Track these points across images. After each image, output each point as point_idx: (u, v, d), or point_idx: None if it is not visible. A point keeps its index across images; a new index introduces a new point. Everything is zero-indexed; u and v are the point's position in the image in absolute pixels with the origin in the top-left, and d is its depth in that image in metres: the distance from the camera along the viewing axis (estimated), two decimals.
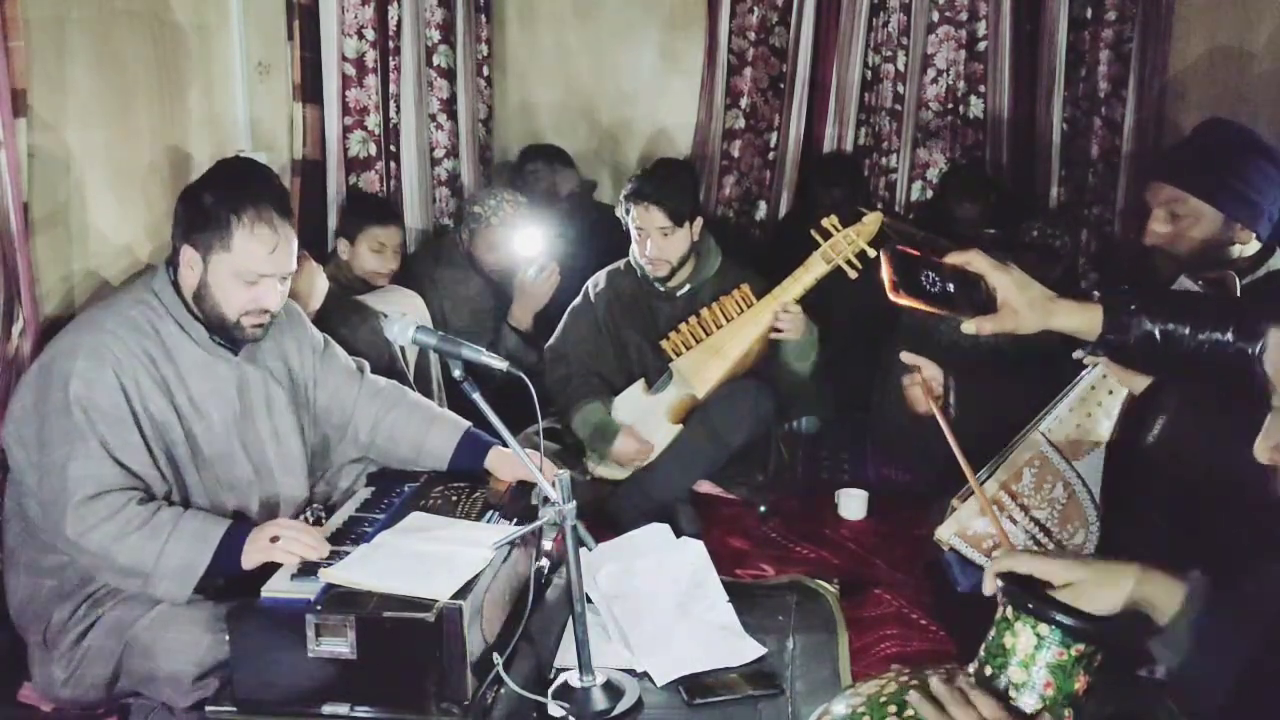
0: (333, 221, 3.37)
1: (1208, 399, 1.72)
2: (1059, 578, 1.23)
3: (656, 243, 2.96)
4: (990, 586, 1.30)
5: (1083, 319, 1.58)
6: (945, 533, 1.97)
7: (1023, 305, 1.55)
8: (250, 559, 1.90)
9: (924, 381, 2.04)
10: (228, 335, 2.06)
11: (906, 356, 2.10)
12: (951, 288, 1.55)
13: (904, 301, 1.51)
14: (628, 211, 3.00)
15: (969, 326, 1.55)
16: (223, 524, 1.93)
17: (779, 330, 2.84)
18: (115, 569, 1.88)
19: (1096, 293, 1.61)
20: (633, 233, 3.02)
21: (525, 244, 3.34)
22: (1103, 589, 1.21)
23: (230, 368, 2.10)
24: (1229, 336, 1.54)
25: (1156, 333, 1.55)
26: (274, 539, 1.90)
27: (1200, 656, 1.16)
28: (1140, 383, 1.86)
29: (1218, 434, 1.66)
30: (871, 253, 2.75)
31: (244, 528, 1.94)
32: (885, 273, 1.52)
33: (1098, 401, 1.94)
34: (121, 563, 1.86)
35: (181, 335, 2.03)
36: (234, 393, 2.10)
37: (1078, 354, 1.87)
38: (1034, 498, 1.94)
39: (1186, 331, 1.55)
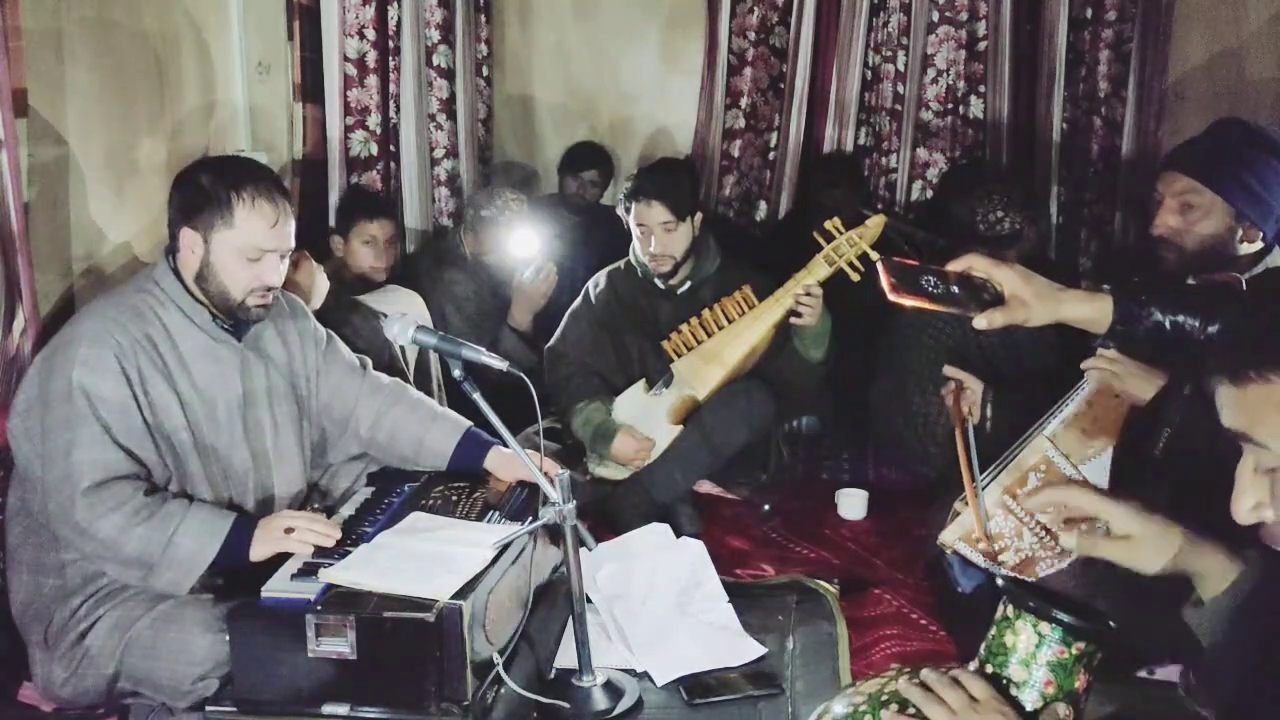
0: (334, 221, 3.37)
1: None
2: (1118, 526, 1.23)
3: (659, 239, 2.95)
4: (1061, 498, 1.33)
5: (1092, 308, 1.56)
6: (950, 537, 1.96)
7: (1031, 296, 1.54)
8: (259, 550, 1.91)
9: (953, 392, 2.03)
10: (232, 316, 2.07)
11: (950, 370, 2.10)
12: (955, 289, 1.54)
13: (906, 301, 1.49)
14: (629, 209, 3.00)
15: (980, 321, 1.53)
16: (229, 516, 1.94)
17: (798, 315, 2.79)
18: (120, 559, 1.88)
19: (1106, 285, 1.60)
20: (634, 230, 3.01)
21: (523, 245, 3.34)
22: (1151, 551, 1.20)
23: (233, 352, 2.10)
24: None
25: (1166, 324, 1.54)
26: (288, 530, 1.92)
27: (1231, 638, 1.15)
28: (1145, 394, 1.86)
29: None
30: (874, 256, 2.75)
31: (250, 521, 1.95)
32: (882, 279, 1.51)
33: (1104, 406, 1.94)
34: (128, 552, 1.86)
35: (184, 321, 2.03)
36: (237, 378, 2.10)
37: (1097, 344, 1.87)
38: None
39: (1196, 324, 1.55)
